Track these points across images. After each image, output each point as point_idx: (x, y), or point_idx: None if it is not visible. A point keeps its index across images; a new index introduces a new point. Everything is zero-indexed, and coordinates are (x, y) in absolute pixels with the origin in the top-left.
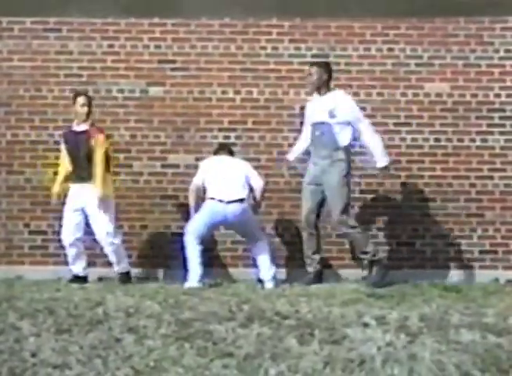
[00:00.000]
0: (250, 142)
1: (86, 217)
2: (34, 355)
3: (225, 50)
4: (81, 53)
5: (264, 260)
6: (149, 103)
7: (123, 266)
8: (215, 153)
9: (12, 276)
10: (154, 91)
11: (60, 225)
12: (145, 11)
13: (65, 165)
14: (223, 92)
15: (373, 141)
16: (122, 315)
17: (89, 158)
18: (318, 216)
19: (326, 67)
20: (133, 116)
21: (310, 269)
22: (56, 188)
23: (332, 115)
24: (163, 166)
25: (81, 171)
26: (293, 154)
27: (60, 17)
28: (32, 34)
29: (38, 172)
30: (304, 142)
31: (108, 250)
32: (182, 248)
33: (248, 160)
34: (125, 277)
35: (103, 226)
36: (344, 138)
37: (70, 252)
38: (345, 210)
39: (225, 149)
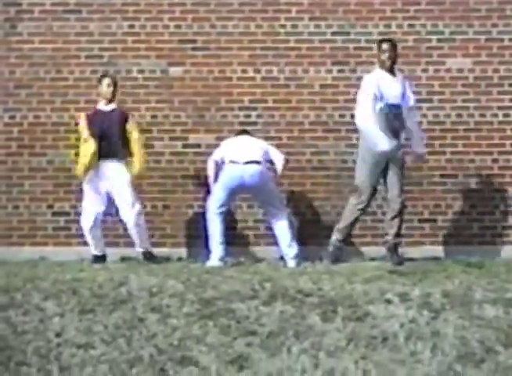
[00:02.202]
0: (270, 121)
1: (108, 196)
2: (58, 335)
3: (244, 29)
4: (101, 34)
5: (284, 236)
6: (170, 83)
7: (146, 245)
8: (235, 135)
9: (36, 258)
10: (175, 71)
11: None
12: None
13: (88, 147)
14: (243, 71)
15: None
16: (145, 294)
17: (120, 137)
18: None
19: (395, 47)
20: (154, 96)
21: (340, 245)
22: (83, 170)
23: (404, 98)
24: (184, 146)
25: (111, 149)
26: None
27: None
28: (52, 16)
29: (60, 154)
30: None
31: (133, 228)
32: (205, 227)
33: (269, 138)
34: (150, 255)
35: (131, 204)
36: (405, 120)
37: (94, 234)
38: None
39: (245, 132)
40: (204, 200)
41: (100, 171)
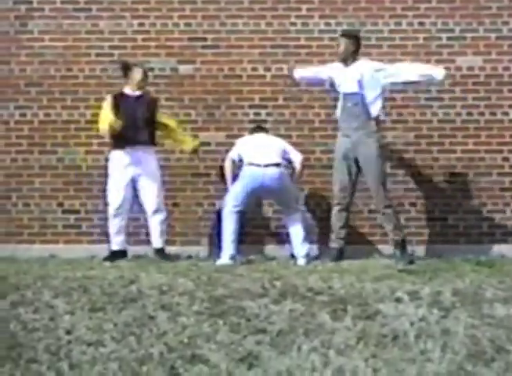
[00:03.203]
0: (281, 119)
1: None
2: (68, 332)
3: (255, 27)
4: (111, 32)
5: (297, 235)
6: (180, 81)
7: (162, 241)
8: (251, 133)
9: (47, 255)
10: (185, 69)
11: (93, 204)
12: None
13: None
14: (253, 69)
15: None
16: (156, 292)
17: (148, 123)
18: (353, 191)
19: (354, 39)
20: (164, 94)
21: (334, 245)
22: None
23: (361, 85)
24: None
25: (138, 136)
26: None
27: None
28: (62, 14)
29: (71, 151)
30: (313, 73)
31: (156, 221)
32: (215, 226)
33: (279, 137)
34: (163, 254)
35: (156, 195)
36: (375, 108)
37: (116, 223)
38: (385, 184)
39: (261, 129)
40: (214, 198)
41: (126, 159)
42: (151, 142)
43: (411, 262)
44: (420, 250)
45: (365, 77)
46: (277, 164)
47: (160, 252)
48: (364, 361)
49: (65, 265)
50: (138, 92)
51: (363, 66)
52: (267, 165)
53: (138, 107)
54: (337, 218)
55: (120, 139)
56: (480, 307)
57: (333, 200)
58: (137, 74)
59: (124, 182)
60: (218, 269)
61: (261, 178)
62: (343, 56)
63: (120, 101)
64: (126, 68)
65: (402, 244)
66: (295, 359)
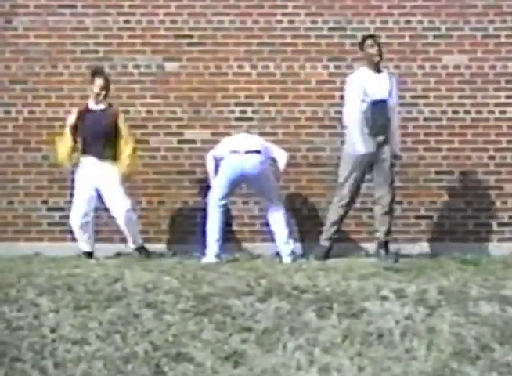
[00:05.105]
0: (266, 117)
1: (98, 193)
2: (53, 331)
3: (241, 24)
4: (96, 29)
5: (281, 233)
6: (166, 79)
7: (139, 241)
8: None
9: (31, 253)
10: (170, 66)
11: None
12: None
13: (69, 140)
14: (239, 67)
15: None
16: (141, 290)
17: (110, 136)
18: (359, 189)
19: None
20: (149, 92)
21: (324, 243)
22: (68, 160)
23: (390, 94)
24: (179, 142)
25: (99, 149)
26: None
27: None
28: (47, 11)
29: (55, 149)
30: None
31: (124, 225)
32: (200, 223)
33: (265, 134)
34: (145, 251)
35: (122, 203)
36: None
37: (84, 232)
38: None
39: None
40: (200, 196)
41: (89, 170)
42: (113, 155)
43: (396, 261)
44: (406, 248)
45: (393, 88)
46: (258, 152)
47: (140, 250)
48: (349, 359)
49: (49, 262)
50: (100, 106)
51: (392, 77)
52: (247, 152)
53: (99, 122)
54: (336, 216)
55: (81, 152)
56: (465, 305)
57: (337, 195)
58: (95, 87)
59: (88, 193)
60: (203, 267)
61: (242, 165)
62: (378, 57)
63: (83, 117)
64: (92, 76)
65: (385, 244)
66: (280, 357)
